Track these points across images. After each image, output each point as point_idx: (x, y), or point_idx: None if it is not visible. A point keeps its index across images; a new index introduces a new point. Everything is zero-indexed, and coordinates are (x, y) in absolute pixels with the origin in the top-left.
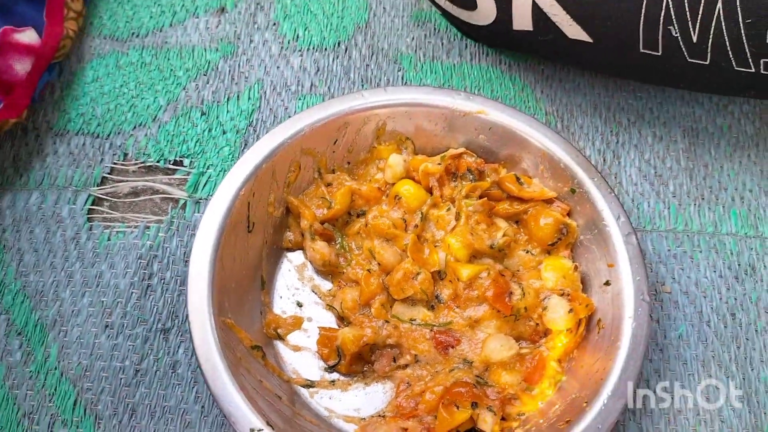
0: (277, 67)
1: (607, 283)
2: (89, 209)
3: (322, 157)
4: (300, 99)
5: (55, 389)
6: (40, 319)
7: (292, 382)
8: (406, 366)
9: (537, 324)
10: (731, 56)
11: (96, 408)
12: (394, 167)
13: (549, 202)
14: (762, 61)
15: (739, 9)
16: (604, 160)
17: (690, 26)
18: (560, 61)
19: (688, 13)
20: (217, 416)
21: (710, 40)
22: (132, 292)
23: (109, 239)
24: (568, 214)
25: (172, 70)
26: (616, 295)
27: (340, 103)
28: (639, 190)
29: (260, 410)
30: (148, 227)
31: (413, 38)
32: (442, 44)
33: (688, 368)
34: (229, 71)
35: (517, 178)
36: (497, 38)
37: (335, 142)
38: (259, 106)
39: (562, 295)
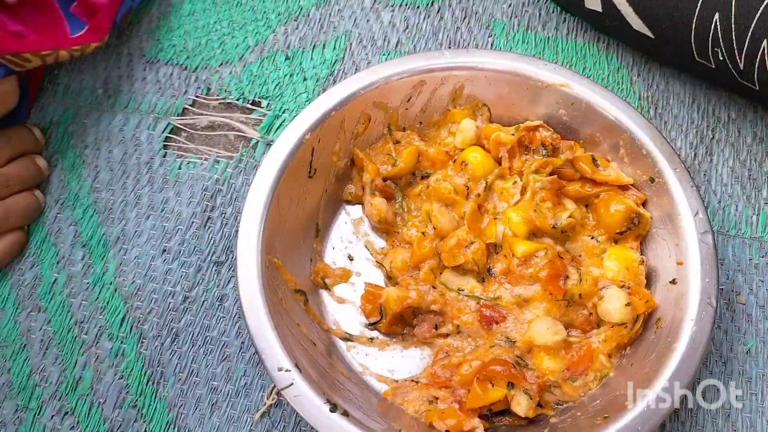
0: (367, 21)
1: (673, 282)
2: (166, 137)
3: (394, 113)
4: (384, 54)
5: (107, 303)
6: (104, 234)
7: (330, 332)
8: (447, 335)
9: (590, 314)
10: None
11: (142, 327)
12: (465, 132)
13: (624, 188)
14: None
15: None
16: (695, 156)
17: (736, 53)
18: (631, 48)
19: (734, 42)
20: (254, 354)
21: (755, 73)
22: (193, 222)
23: (180, 168)
24: (643, 204)
25: (264, 12)
26: (680, 295)
27: (420, 60)
28: (728, 191)
29: (291, 351)
30: (218, 161)
31: (510, 5)
32: (539, 15)
33: (752, 387)
34: (320, 19)
35: (594, 159)
36: (575, 10)
37: (409, 100)
38: (343, 58)
39: (622, 287)
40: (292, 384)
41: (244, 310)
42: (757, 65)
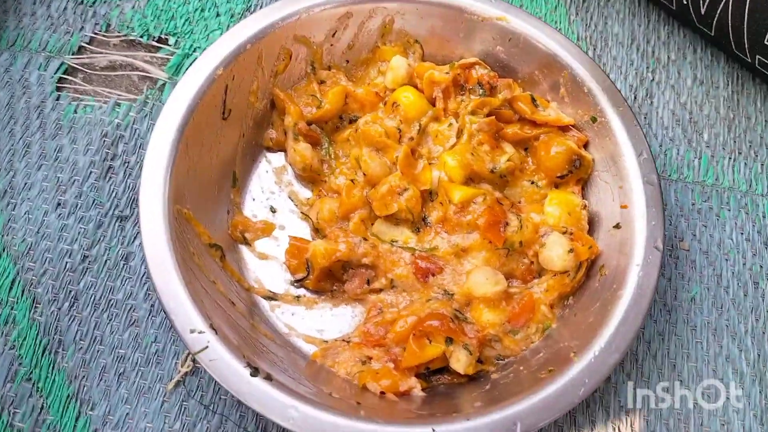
0: None
1: (617, 226)
2: (60, 78)
3: (317, 49)
4: None
5: None
6: None
7: (252, 291)
8: (380, 290)
9: (531, 262)
10: (731, 39)
11: (35, 290)
12: (396, 70)
13: (565, 129)
14: (757, 56)
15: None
16: (635, 98)
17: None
18: None
19: None
20: (165, 318)
21: (715, 17)
22: (91, 172)
23: (75, 112)
24: (585, 146)
25: None
26: (625, 239)
27: None
28: (669, 135)
29: (204, 311)
30: (118, 104)
31: None
32: None
33: (697, 335)
34: None
35: (533, 99)
36: None
37: (334, 34)
38: None
39: (564, 233)
40: (206, 347)
41: (150, 266)
42: (719, 9)
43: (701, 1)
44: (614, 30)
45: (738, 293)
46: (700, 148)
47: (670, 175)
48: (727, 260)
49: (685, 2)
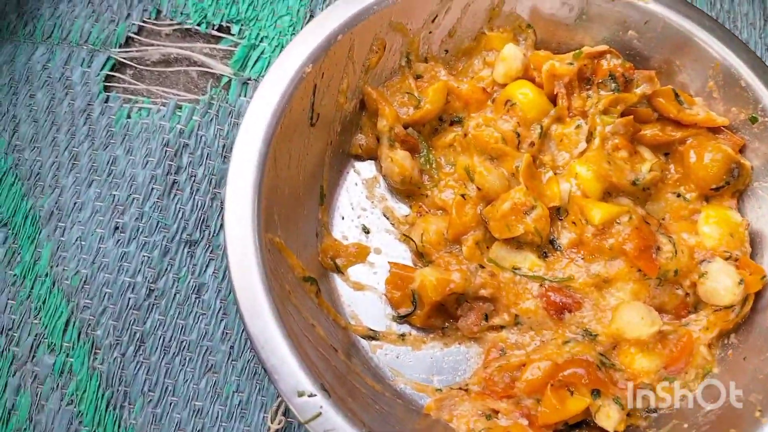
0: None
1: None
2: (107, 75)
3: (414, 37)
4: None
5: (44, 302)
6: (32, 209)
7: (350, 329)
8: (501, 327)
9: (687, 294)
10: None
11: (93, 333)
12: (509, 62)
13: (715, 131)
14: None
15: None
16: None
17: None
18: None
19: None
20: (248, 362)
21: None
22: (153, 189)
23: (128, 116)
24: (741, 151)
25: None
26: None
27: None
28: None
29: (313, 367)
30: (179, 107)
31: None
32: None
33: None
34: None
35: (676, 95)
36: None
37: (434, 20)
38: None
39: (727, 259)
40: (320, 413)
41: (243, 311)
42: None
43: None
44: (743, 9)
45: None
46: None
47: None
48: None
49: None
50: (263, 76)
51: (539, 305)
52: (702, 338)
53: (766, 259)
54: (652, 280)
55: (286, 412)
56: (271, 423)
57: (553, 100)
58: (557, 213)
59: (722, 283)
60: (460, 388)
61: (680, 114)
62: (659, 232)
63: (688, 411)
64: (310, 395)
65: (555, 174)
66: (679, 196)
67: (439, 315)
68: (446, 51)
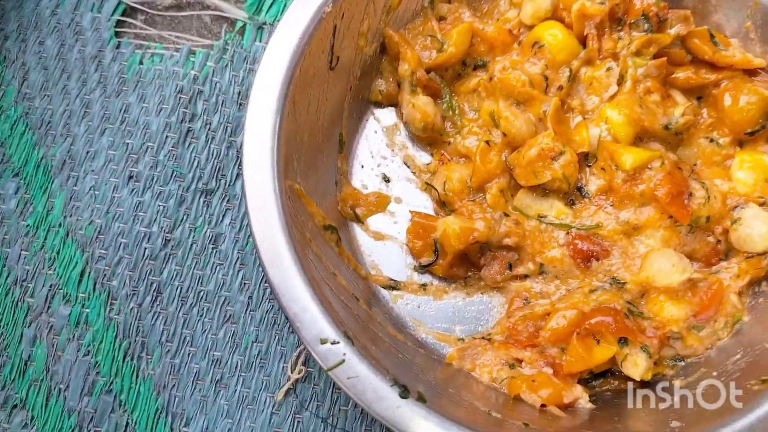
0: None
1: None
2: (118, 21)
3: None
4: None
5: (58, 253)
6: (44, 158)
7: (370, 279)
8: (525, 276)
9: (718, 241)
10: None
11: (109, 283)
12: (537, 1)
13: (751, 74)
14: None
15: None
16: None
17: None
18: None
19: None
20: (267, 312)
21: None
22: (167, 137)
23: (141, 63)
24: None
25: None
26: None
27: None
28: None
29: (335, 315)
30: (193, 52)
31: None
32: None
33: None
34: None
35: (711, 36)
36: None
37: None
38: None
39: (762, 204)
40: (342, 360)
41: (264, 262)
42: None
43: None
44: None
45: None
46: None
47: None
48: None
49: None
50: (280, 18)
51: (566, 254)
52: (732, 286)
53: None
54: (684, 226)
55: (306, 362)
56: (291, 373)
57: (582, 41)
58: (585, 159)
59: (757, 230)
60: (483, 338)
61: (715, 56)
62: (692, 178)
63: (716, 359)
64: (333, 342)
65: (584, 118)
66: (712, 141)
67: (462, 264)
68: None
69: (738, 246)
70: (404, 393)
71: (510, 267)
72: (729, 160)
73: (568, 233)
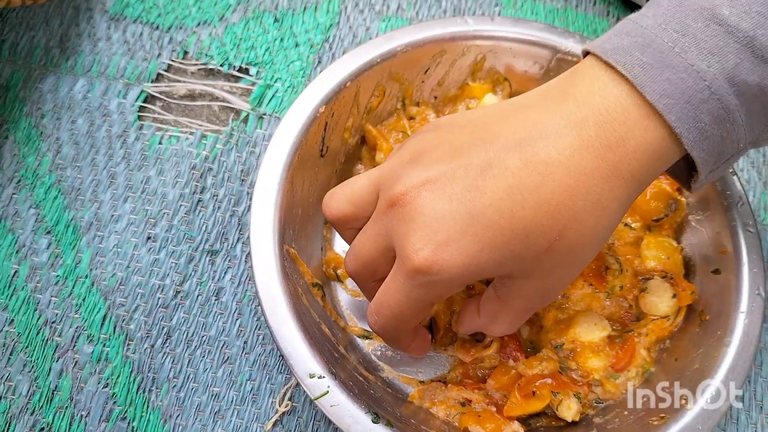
0: None
1: (716, 272)
2: (140, 107)
3: (409, 85)
4: (384, 20)
5: (84, 300)
6: (73, 219)
7: (348, 329)
8: (490, 343)
9: (630, 306)
10: None
11: (127, 327)
12: (486, 102)
13: None
14: None
15: None
16: None
17: None
18: None
19: None
20: (260, 355)
21: None
22: (181, 205)
23: (160, 143)
24: (678, 189)
25: None
26: (726, 286)
27: (441, 27)
28: (745, 177)
29: (321, 354)
30: (204, 136)
31: None
32: None
33: None
34: None
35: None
36: None
37: (426, 71)
38: (338, 22)
39: (664, 277)
40: (327, 392)
41: (265, 309)
42: None
43: None
44: None
45: None
46: None
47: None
48: None
49: None
50: (280, 113)
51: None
52: (642, 342)
53: (698, 278)
54: (602, 293)
55: (292, 398)
56: (279, 406)
57: None
58: None
59: (660, 297)
60: (440, 381)
61: None
62: (609, 254)
63: (625, 401)
64: (320, 377)
65: None
66: (626, 225)
67: (448, 333)
68: (435, 97)
69: (645, 310)
70: (376, 419)
71: (478, 340)
72: (640, 241)
73: None
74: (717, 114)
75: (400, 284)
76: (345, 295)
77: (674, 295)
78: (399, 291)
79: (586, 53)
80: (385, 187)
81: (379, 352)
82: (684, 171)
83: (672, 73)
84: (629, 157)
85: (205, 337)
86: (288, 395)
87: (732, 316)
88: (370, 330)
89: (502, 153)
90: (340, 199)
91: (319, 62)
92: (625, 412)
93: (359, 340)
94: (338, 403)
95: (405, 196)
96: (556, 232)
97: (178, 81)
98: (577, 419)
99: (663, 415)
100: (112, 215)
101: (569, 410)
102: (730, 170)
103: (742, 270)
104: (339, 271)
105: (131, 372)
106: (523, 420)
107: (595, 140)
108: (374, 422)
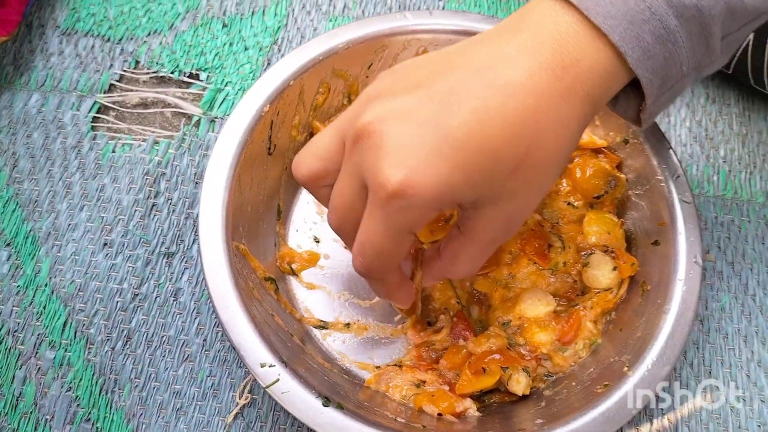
0: None
1: (655, 243)
2: (93, 117)
3: (354, 81)
4: (331, 21)
5: (44, 308)
6: (32, 230)
7: (304, 321)
8: (441, 329)
9: (575, 281)
10: (750, 77)
11: (87, 331)
12: None
13: (597, 151)
14: None
15: None
16: None
17: None
18: None
19: None
20: (219, 351)
21: (734, 60)
22: (135, 210)
23: (113, 151)
24: (618, 167)
25: None
26: (665, 256)
27: (381, 23)
28: (688, 151)
29: (271, 344)
30: (157, 142)
31: None
32: None
33: (729, 342)
34: None
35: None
36: None
37: (370, 66)
38: (286, 24)
39: (606, 252)
40: (278, 380)
41: (216, 304)
42: (737, 56)
43: None
44: None
45: (764, 300)
46: (718, 163)
47: (691, 191)
48: (751, 270)
49: None
50: (229, 115)
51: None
52: (588, 315)
53: (639, 250)
54: (547, 270)
55: (252, 390)
56: (239, 399)
57: None
58: None
59: (601, 270)
60: (395, 365)
61: None
62: (552, 233)
63: (578, 373)
64: (270, 366)
65: None
66: (569, 204)
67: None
68: None
69: (589, 284)
70: (326, 402)
71: (429, 323)
72: (583, 219)
73: (458, 302)
74: (658, 33)
75: (378, 216)
76: (301, 288)
77: (615, 268)
78: (378, 223)
79: None
80: (348, 129)
81: (335, 341)
82: (634, 106)
83: None
84: (583, 76)
85: (164, 337)
86: (248, 388)
87: (671, 285)
88: (326, 321)
89: (465, 79)
90: (308, 157)
91: (269, 64)
92: (574, 383)
93: (316, 331)
94: (289, 390)
95: (369, 126)
96: (523, 150)
97: (131, 90)
98: (527, 393)
99: (606, 383)
100: (69, 224)
101: (518, 384)
102: (666, 145)
103: (679, 240)
104: (294, 266)
105: (93, 375)
106: (477, 397)
107: (551, 62)
108: (324, 405)
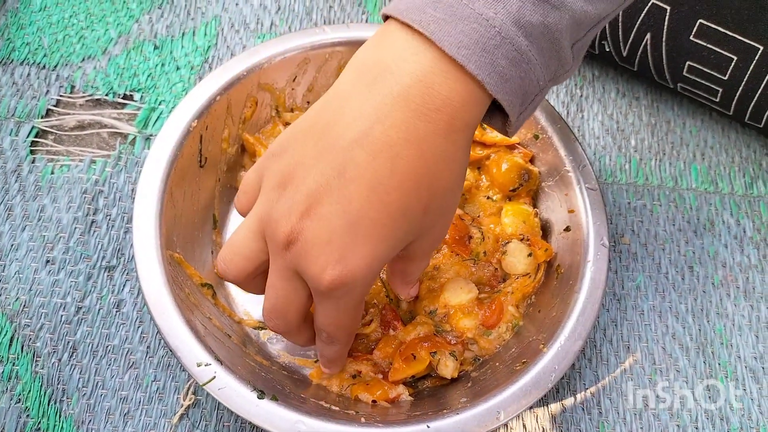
0: (236, 4)
1: (567, 229)
2: (32, 142)
3: (280, 94)
4: (259, 38)
5: None
6: None
7: (243, 323)
8: (371, 321)
9: (496, 269)
10: (653, 73)
11: (34, 345)
12: None
13: (511, 148)
14: (678, 84)
15: (664, 45)
16: (568, 113)
17: (621, 45)
18: None
19: (620, 39)
20: (163, 357)
21: (636, 59)
22: (75, 228)
23: (52, 173)
24: (531, 161)
25: (124, 1)
26: (575, 241)
27: (300, 38)
28: (601, 143)
29: (207, 346)
30: (94, 161)
31: None
32: None
33: (645, 318)
34: (185, 5)
35: (481, 124)
36: None
37: (294, 79)
38: (216, 44)
39: (522, 240)
40: (214, 377)
41: (151, 310)
42: (638, 55)
43: (622, 46)
44: None
45: (676, 278)
46: (629, 153)
47: (605, 179)
48: (663, 250)
49: (607, 49)
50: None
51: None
52: (509, 300)
53: (553, 238)
54: (468, 260)
55: (196, 391)
56: (184, 401)
57: None
58: None
59: (517, 257)
60: None
61: (483, 137)
62: (472, 225)
63: (502, 354)
64: (206, 364)
65: None
66: (488, 198)
67: None
68: (308, 102)
69: (508, 270)
70: (261, 395)
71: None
72: (502, 211)
73: (386, 296)
74: (512, 56)
75: (328, 306)
76: (239, 292)
77: (530, 254)
78: (331, 311)
79: (386, 17)
80: (269, 232)
81: (274, 341)
82: (499, 121)
83: (465, 24)
84: (458, 111)
85: (109, 347)
86: (191, 390)
87: (581, 266)
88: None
89: (349, 152)
90: (234, 259)
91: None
92: (498, 363)
93: (256, 332)
94: (225, 386)
95: (291, 236)
96: (425, 194)
97: (68, 114)
98: (456, 376)
99: (525, 360)
100: (12, 244)
101: (446, 368)
102: (572, 138)
103: (587, 224)
104: None
105: (41, 386)
106: (411, 384)
107: (423, 107)
108: (259, 398)
